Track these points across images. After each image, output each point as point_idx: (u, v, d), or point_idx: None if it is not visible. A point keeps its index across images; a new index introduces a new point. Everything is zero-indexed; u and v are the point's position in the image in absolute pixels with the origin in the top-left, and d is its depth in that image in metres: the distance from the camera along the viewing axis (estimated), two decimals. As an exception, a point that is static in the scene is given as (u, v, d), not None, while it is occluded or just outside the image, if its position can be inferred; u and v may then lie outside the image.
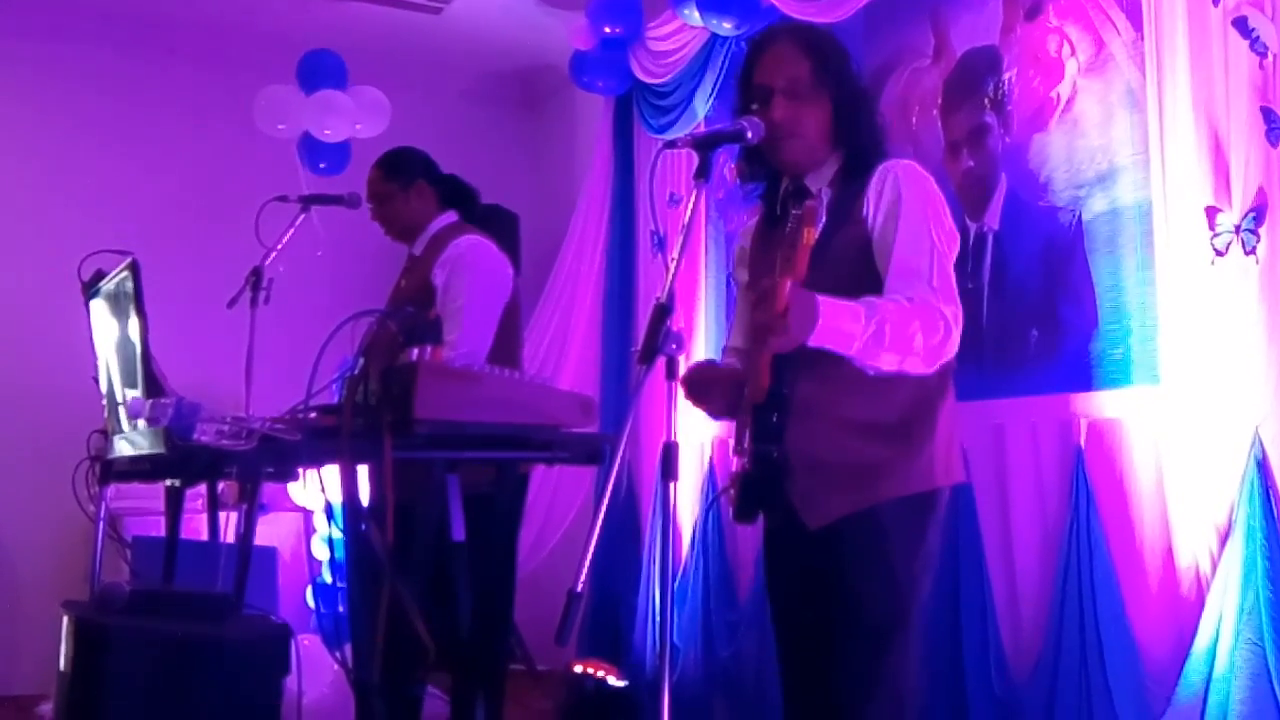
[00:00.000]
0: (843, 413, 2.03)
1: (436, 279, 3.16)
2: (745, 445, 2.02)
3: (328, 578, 4.49)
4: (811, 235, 1.65)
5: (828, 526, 2.05)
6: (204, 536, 3.05)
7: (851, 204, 2.08)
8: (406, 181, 3.34)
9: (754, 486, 2.02)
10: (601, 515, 1.80)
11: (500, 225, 3.47)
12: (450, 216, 3.37)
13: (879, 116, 2.24)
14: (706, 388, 2.14)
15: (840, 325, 1.87)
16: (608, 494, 1.84)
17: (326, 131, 4.90)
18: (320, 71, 4.91)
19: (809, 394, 2.00)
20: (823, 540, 2.05)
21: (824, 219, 1.70)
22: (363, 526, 2.38)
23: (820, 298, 1.84)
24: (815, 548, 2.07)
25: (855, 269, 2.04)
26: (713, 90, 4.54)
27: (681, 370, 1.89)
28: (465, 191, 3.44)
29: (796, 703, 2.18)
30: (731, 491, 2.07)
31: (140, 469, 2.70)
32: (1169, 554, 2.72)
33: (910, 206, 2.04)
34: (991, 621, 3.14)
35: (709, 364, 2.23)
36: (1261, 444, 2.53)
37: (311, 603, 4.57)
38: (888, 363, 1.94)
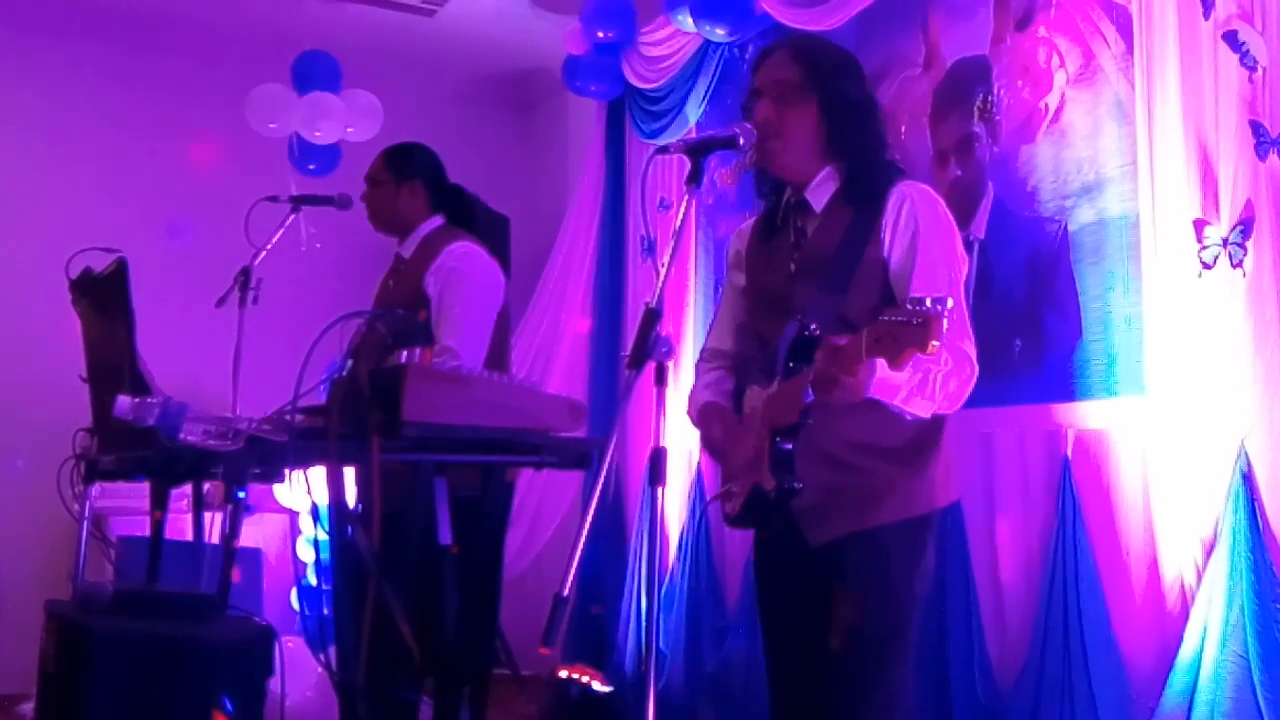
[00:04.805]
0: (852, 434, 2.04)
1: (429, 287, 3.15)
2: (765, 468, 1.99)
3: (313, 580, 4.47)
4: (935, 348, 1.62)
5: (829, 543, 2.06)
6: (189, 537, 3.04)
7: (869, 226, 2.09)
8: (401, 177, 3.33)
9: (764, 504, 2.01)
10: (589, 520, 1.79)
11: (491, 228, 3.45)
12: (438, 220, 3.36)
13: (882, 132, 2.21)
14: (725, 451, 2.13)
15: (890, 378, 1.87)
16: (595, 498, 1.84)
17: (317, 133, 4.89)
18: (314, 73, 4.90)
19: (821, 414, 1.97)
20: (823, 555, 2.07)
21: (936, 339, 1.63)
22: (348, 529, 2.37)
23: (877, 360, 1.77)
24: (815, 561, 2.08)
25: (883, 294, 2.06)
26: (705, 96, 4.55)
27: (673, 372, 1.88)
28: (466, 203, 3.42)
29: (786, 711, 2.18)
30: (733, 500, 2.07)
31: (125, 468, 2.69)
32: (1154, 565, 2.73)
33: (928, 240, 2.07)
34: (977, 630, 3.15)
35: (716, 426, 2.18)
36: (1247, 456, 2.54)
37: (296, 605, 4.55)
38: (924, 410, 1.97)
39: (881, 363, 1.72)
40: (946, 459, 2.13)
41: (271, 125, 4.89)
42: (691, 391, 2.31)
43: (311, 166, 4.97)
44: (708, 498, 4.31)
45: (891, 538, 2.05)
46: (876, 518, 2.05)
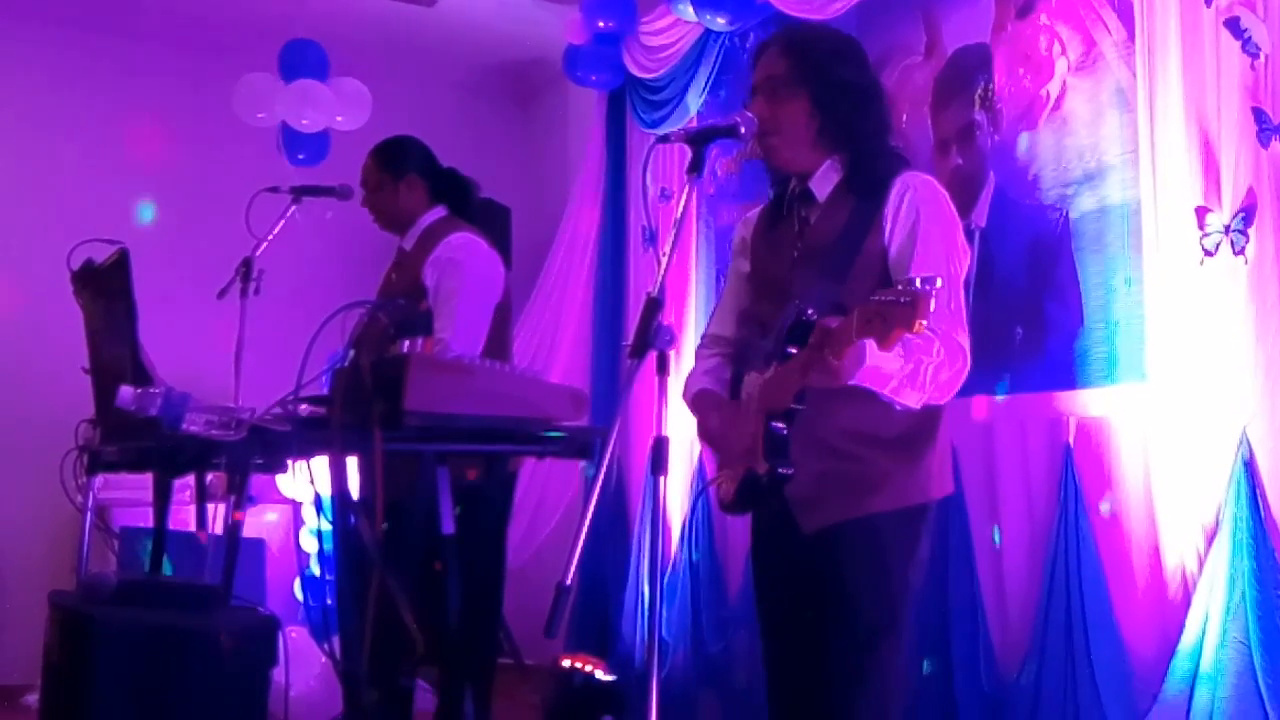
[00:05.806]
0: (848, 423, 2.05)
1: (427, 278, 3.15)
2: (759, 453, 1.99)
3: (316, 570, 4.47)
4: (922, 327, 1.62)
5: (822, 530, 2.07)
6: (192, 528, 3.04)
7: (872, 215, 2.09)
8: (398, 173, 3.32)
9: (757, 489, 2.01)
10: (591, 509, 1.80)
11: (492, 219, 3.46)
12: (440, 211, 3.35)
13: (883, 117, 2.21)
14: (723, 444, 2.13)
15: (880, 366, 1.87)
16: (597, 488, 1.84)
17: (304, 122, 4.86)
18: (301, 61, 4.87)
19: (817, 402, 1.98)
20: (817, 543, 2.07)
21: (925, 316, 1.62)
22: (351, 519, 2.38)
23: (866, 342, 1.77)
24: (809, 549, 2.08)
25: (882, 283, 2.05)
26: (706, 85, 4.54)
27: (671, 361, 1.88)
28: (462, 186, 3.41)
29: (782, 700, 2.18)
30: (727, 485, 2.07)
31: (128, 459, 2.70)
32: (1156, 553, 2.73)
33: (928, 230, 2.07)
34: (980, 618, 3.15)
35: (713, 414, 2.18)
36: (1249, 444, 2.54)
37: (300, 595, 4.56)
38: (914, 400, 1.97)
39: (872, 349, 1.72)
40: (942, 451, 2.14)
41: (259, 115, 4.87)
42: (689, 376, 2.31)
43: (301, 156, 4.94)
44: (705, 481, 4.30)
45: (885, 527, 2.06)
46: (871, 506, 2.05)
